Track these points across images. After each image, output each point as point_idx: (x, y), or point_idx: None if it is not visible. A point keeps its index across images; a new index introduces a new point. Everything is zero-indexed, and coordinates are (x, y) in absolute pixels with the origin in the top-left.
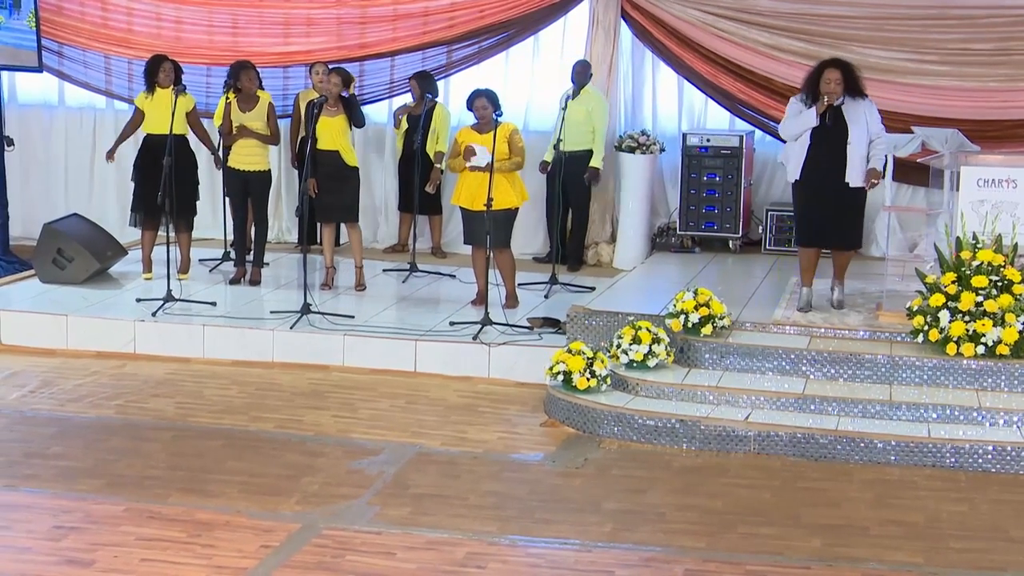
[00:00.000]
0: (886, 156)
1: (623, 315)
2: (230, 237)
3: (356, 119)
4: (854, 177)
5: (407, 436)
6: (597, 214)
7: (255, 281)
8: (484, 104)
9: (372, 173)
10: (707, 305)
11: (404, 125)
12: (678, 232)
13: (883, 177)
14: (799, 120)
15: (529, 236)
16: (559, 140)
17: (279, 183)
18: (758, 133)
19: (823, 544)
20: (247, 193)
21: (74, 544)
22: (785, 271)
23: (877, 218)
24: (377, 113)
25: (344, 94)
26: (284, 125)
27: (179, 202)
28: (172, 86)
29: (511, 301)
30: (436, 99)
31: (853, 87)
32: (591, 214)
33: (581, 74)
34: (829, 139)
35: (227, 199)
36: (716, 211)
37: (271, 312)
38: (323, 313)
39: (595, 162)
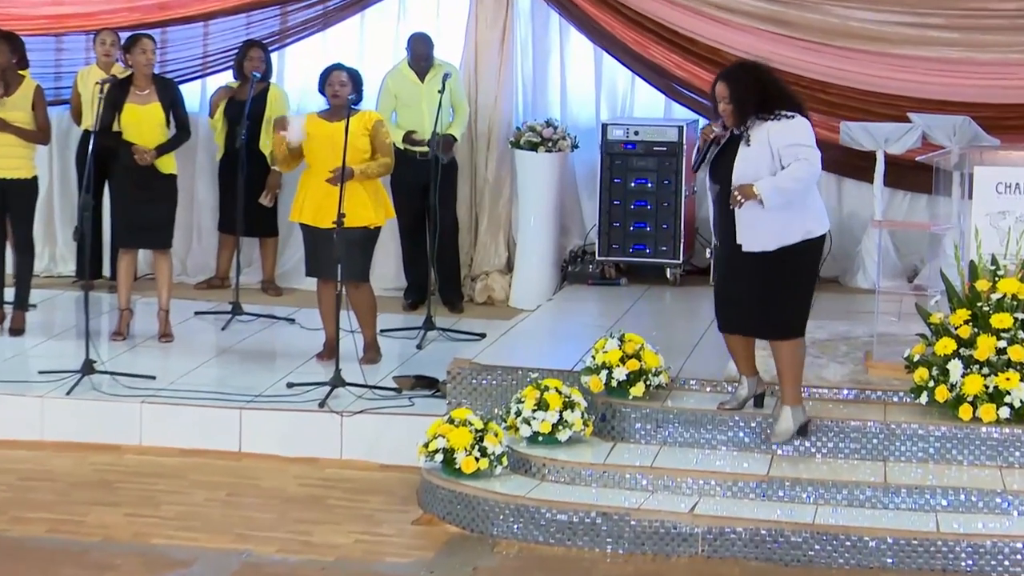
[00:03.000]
0: (799, 180)
1: (523, 371)
2: None
3: (179, 110)
4: (747, 238)
5: (229, 540)
6: (488, 233)
7: (17, 329)
8: (343, 80)
9: (180, 180)
10: (637, 357)
11: (220, 115)
12: (597, 258)
13: (761, 202)
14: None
15: (397, 266)
16: (435, 134)
17: (49, 194)
18: (703, 122)
19: None
20: (4, 208)
21: None
22: None
23: (864, 237)
24: (187, 98)
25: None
26: (58, 115)
27: None
28: None
29: (371, 353)
30: (269, 79)
31: (756, 104)
32: (479, 234)
33: (421, 55)
34: (724, 184)
35: None
36: (648, 229)
37: (40, 372)
38: (113, 373)
39: (454, 129)
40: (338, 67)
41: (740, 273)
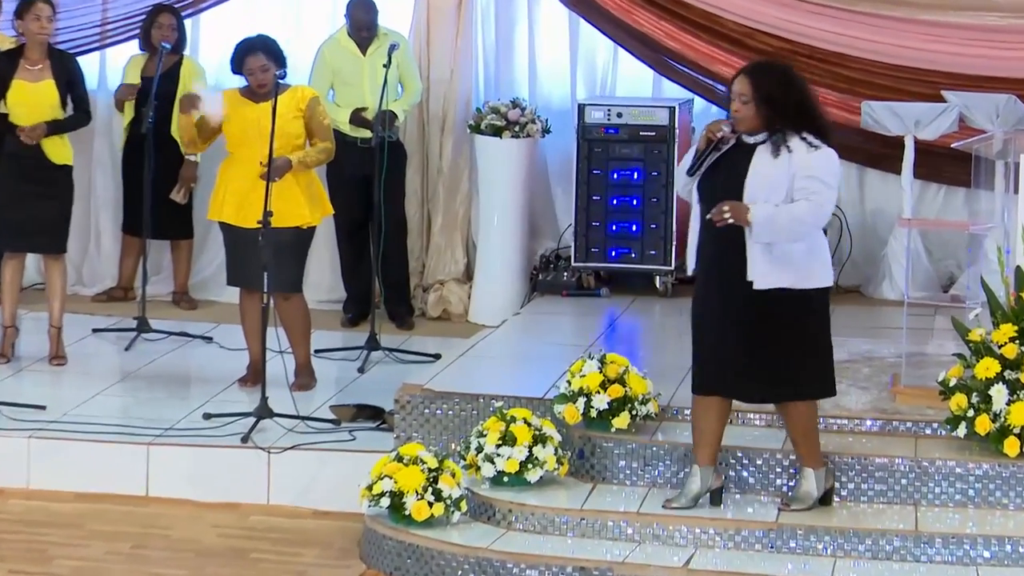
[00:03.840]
0: (801, 223)
1: (486, 399)
2: None
3: (78, 89)
4: (762, 272)
5: None
6: (443, 235)
7: None
8: (262, 64)
9: (75, 172)
10: (621, 381)
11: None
12: (573, 264)
13: (749, 223)
14: (680, 168)
15: (335, 273)
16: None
17: None
18: (699, 103)
19: None
20: None
21: None
22: None
23: (891, 238)
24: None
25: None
26: None
27: None
28: None
29: (304, 378)
30: (182, 51)
31: (790, 111)
32: (432, 236)
33: (363, 24)
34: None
35: None
36: (634, 229)
37: None
38: None
39: (398, 105)
40: (251, 48)
41: (743, 320)
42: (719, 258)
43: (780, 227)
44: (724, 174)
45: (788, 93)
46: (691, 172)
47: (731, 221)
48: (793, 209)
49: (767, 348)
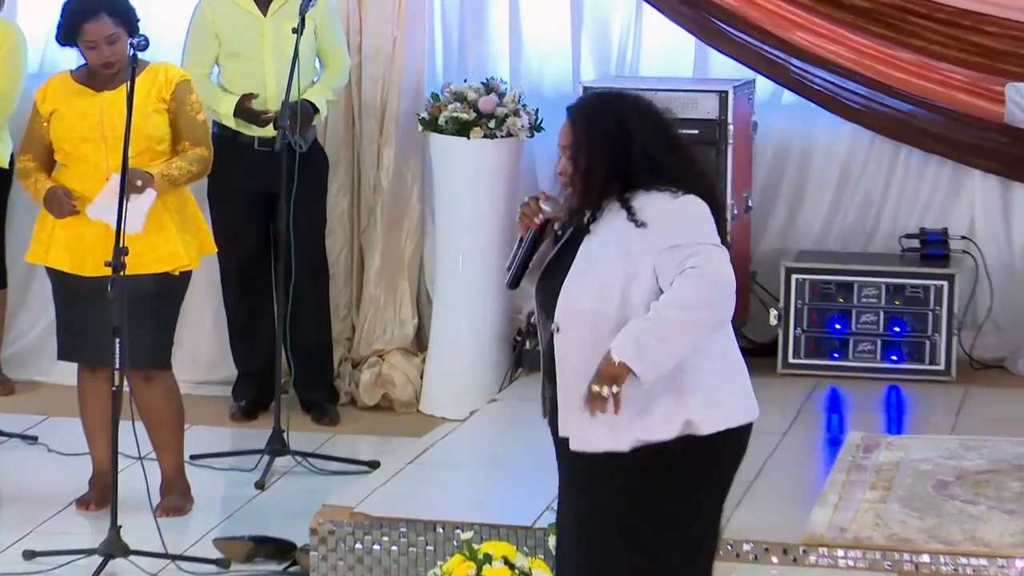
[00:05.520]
0: (692, 306)
1: (447, 528)
2: None
3: None
4: (576, 427)
5: None
6: (381, 284)
7: None
8: (109, 32)
9: None
10: None
11: None
12: None
13: (631, 373)
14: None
15: (221, 341)
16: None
17: None
18: (763, 86)
19: None
20: None
21: None
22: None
23: None
24: None
25: None
26: None
27: None
28: None
29: (174, 497)
30: None
31: (615, 171)
32: (366, 285)
33: None
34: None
35: None
36: None
37: None
38: None
39: (317, 92)
40: (91, 9)
41: (571, 497)
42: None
43: (666, 335)
44: (560, 274)
45: (620, 146)
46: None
47: (610, 395)
48: (671, 297)
49: (594, 549)
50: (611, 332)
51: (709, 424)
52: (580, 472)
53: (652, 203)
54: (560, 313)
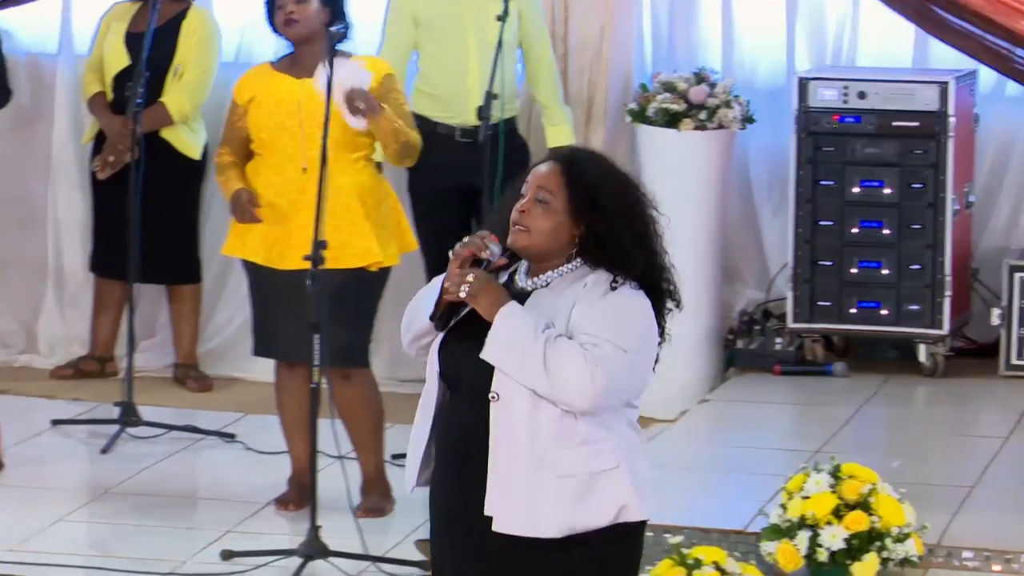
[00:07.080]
0: (557, 371)
1: (656, 532)
2: None
3: None
4: (501, 505)
5: None
6: None
7: None
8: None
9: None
10: (865, 507)
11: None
12: (789, 325)
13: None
14: (424, 295)
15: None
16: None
17: None
18: (985, 77)
19: None
20: None
21: None
22: None
23: None
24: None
25: None
26: None
27: None
28: None
29: (375, 499)
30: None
31: (606, 237)
32: None
33: None
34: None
35: None
36: (884, 272)
37: None
38: None
39: (563, 137)
40: None
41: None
42: (448, 469)
43: (525, 364)
44: (477, 332)
45: (631, 211)
46: (434, 317)
47: (464, 295)
48: (557, 349)
49: None
50: (548, 402)
51: (636, 509)
52: (500, 554)
53: (602, 283)
54: (502, 380)
